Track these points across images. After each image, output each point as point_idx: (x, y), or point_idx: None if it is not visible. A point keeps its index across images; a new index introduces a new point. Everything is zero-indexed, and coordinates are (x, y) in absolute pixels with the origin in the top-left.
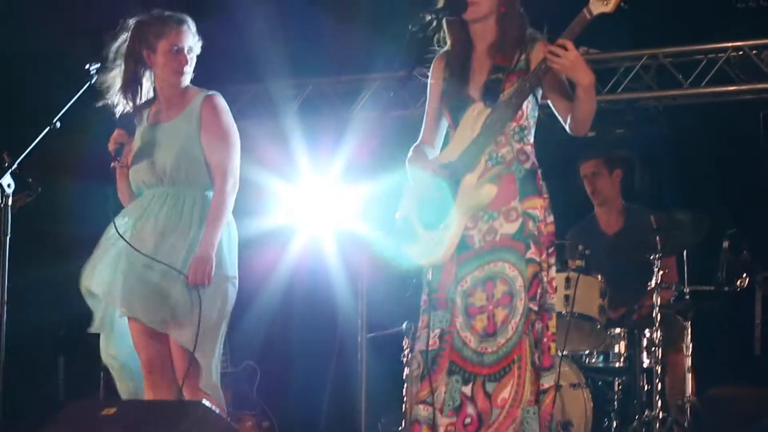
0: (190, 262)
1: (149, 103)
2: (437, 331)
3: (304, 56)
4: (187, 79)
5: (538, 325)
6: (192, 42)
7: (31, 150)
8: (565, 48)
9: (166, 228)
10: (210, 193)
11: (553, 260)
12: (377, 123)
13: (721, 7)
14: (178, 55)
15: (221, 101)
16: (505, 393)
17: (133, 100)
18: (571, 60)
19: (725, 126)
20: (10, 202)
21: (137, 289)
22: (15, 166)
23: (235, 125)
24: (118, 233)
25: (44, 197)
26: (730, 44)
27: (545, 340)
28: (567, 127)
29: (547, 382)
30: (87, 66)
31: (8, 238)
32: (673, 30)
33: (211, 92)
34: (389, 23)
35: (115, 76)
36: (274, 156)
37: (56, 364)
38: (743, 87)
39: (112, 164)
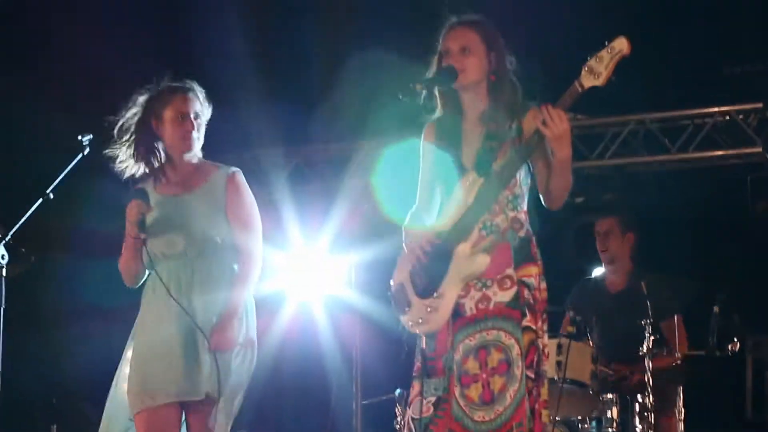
0: (213, 328)
1: (155, 173)
2: (432, 398)
3: (294, 124)
4: (195, 145)
5: (534, 392)
6: (198, 108)
7: (25, 221)
8: (559, 117)
9: (195, 295)
10: (236, 266)
11: (546, 327)
12: (367, 190)
13: (707, 72)
14: (183, 121)
15: (243, 179)
16: None
17: (149, 166)
18: (561, 130)
19: (713, 190)
20: (4, 273)
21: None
22: (8, 237)
23: (255, 202)
24: (173, 298)
25: (39, 267)
26: (716, 109)
27: (537, 406)
28: (542, 199)
29: None
30: (80, 137)
31: (2, 308)
32: (659, 96)
33: (233, 169)
34: (378, 90)
35: (125, 151)
36: (264, 223)
37: None
38: (730, 152)
39: (143, 236)
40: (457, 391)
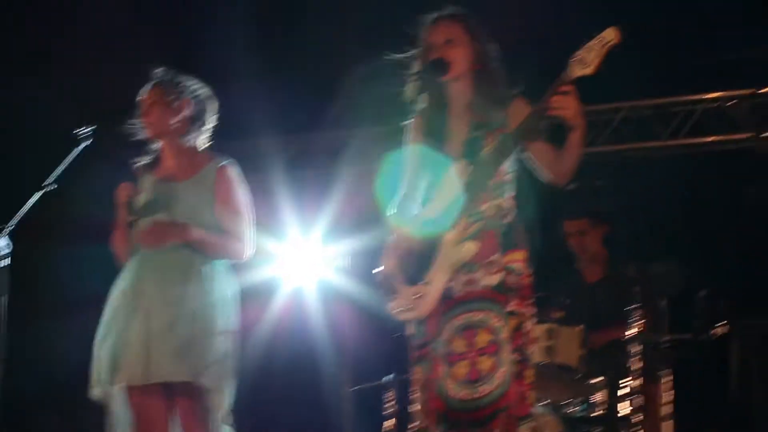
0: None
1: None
2: (424, 379)
3: (292, 112)
4: (148, 131)
5: (521, 376)
6: (153, 94)
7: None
8: (568, 95)
9: (168, 286)
10: (208, 264)
11: (533, 311)
12: (363, 178)
13: (699, 59)
14: (141, 111)
15: (235, 171)
16: None
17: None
18: (576, 106)
19: (704, 176)
20: (4, 263)
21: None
22: (12, 226)
23: (247, 195)
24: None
25: (42, 257)
26: (706, 96)
27: (524, 389)
28: (548, 177)
29: (526, 429)
30: (76, 130)
31: (4, 297)
32: (651, 83)
33: (225, 161)
34: (374, 79)
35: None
36: (261, 211)
37: (50, 422)
38: (721, 138)
39: (130, 219)
40: (442, 371)
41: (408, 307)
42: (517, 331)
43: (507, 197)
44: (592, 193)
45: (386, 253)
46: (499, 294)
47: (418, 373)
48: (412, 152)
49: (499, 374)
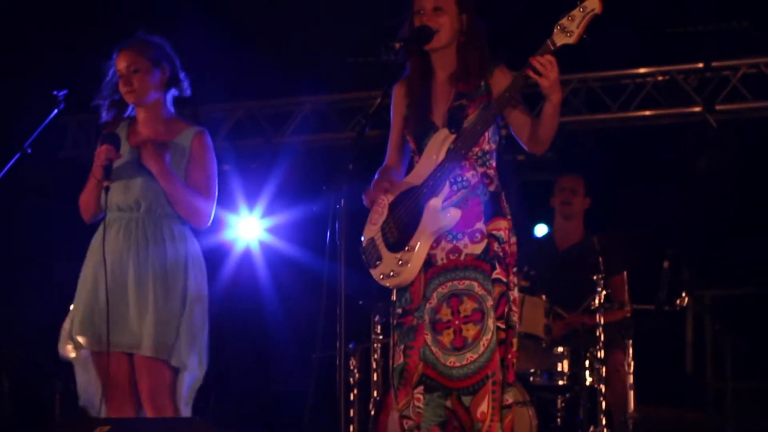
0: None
1: (128, 121)
2: (402, 346)
3: (234, 79)
4: (131, 98)
5: (506, 343)
6: (132, 60)
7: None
8: (551, 63)
9: (140, 250)
10: (178, 227)
11: (516, 280)
12: (307, 147)
13: (649, 32)
14: (121, 79)
15: (210, 140)
16: (484, 407)
17: (117, 117)
18: (556, 76)
19: (654, 148)
20: None
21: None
22: None
23: (216, 167)
24: (104, 259)
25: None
26: (657, 69)
27: (510, 356)
28: (526, 146)
29: (510, 397)
30: (55, 92)
31: None
32: (601, 55)
33: (201, 128)
34: (319, 47)
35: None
36: None
37: (1, 385)
38: (671, 111)
39: (106, 184)
40: (429, 338)
41: (391, 273)
42: (502, 298)
43: (490, 166)
44: (541, 164)
45: (369, 220)
46: (483, 262)
47: (397, 339)
48: (396, 119)
49: (484, 341)
